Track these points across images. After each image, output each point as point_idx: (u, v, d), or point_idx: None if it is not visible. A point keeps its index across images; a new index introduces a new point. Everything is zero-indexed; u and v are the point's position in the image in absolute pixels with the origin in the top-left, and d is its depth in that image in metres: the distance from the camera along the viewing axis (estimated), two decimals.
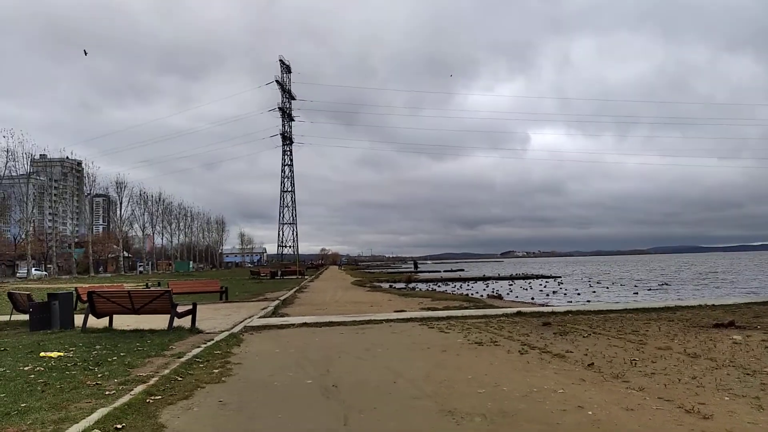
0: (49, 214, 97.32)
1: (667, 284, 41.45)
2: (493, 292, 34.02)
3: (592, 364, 7.41)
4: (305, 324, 13.71)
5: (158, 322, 12.45)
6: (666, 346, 8.58)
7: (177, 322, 12.21)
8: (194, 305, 12.56)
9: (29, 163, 68.50)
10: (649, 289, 34.49)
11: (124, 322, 12.62)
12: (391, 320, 14.04)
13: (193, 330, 12.05)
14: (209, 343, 10.27)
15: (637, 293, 31.73)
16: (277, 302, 21.22)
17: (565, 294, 32.44)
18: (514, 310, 15.37)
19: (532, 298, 28.19)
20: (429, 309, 18.19)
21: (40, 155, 78.46)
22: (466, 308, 17.93)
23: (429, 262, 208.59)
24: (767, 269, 65.70)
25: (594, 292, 33.35)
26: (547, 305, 19.79)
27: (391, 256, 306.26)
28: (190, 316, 12.46)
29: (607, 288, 38.87)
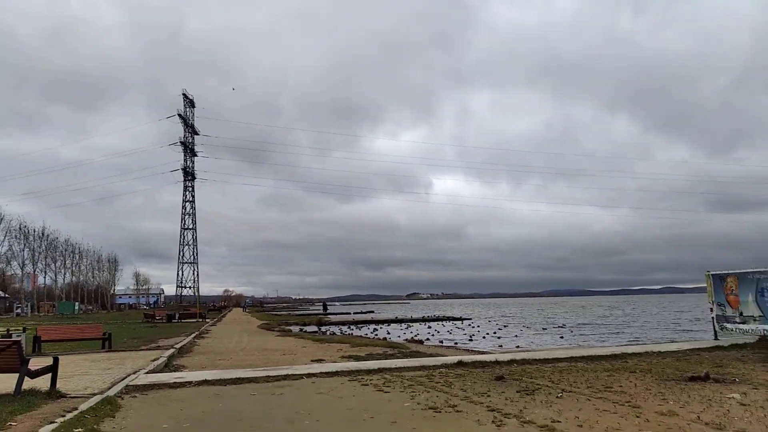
0: None
1: (563, 326, 42.06)
2: (412, 335, 32.12)
3: None
4: (205, 381, 11.01)
5: (8, 382, 9.35)
6: (669, 412, 6.95)
7: (29, 382, 9.18)
8: (55, 360, 9.56)
9: None
10: (559, 329, 34.29)
11: None
12: (314, 374, 11.66)
13: (53, 393, 9.06)
14: (69, 416, 7.46)
15: (563, 337, 30.99)
16: (171, 351, 18.03)
17: (484, 337, 31.13)
18: (455, 359, 13.48)
19: (456, 343, 26.56)
20: (351, 358, 15.95)
21: None
22: (393, 356, 15.86)
23: (337, 303, 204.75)
24: (648, 312, 69.04)
25: (516, 336, 32.30)
26: (481, 352, 18.11)
27: (297, 297, 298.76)
28: (49, 375, 9.45)
29: (521, 330, 38.30)
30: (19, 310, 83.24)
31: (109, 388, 10.13)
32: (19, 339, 8.89)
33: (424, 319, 58.53)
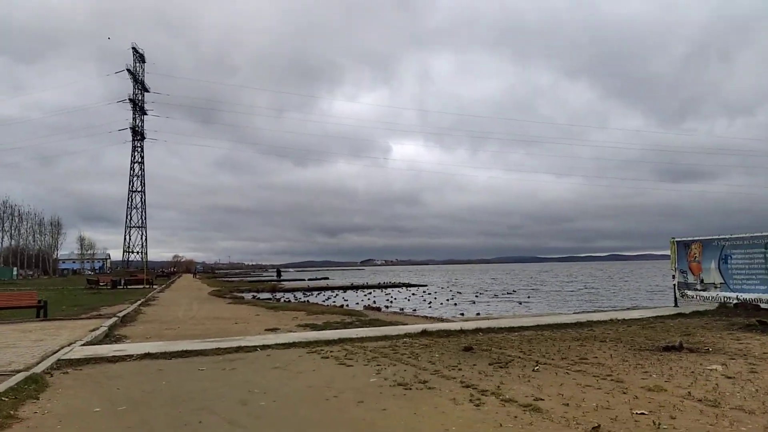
0: None
1: (513, 291, 42.75)
2: (369, 302, 31.60)
3: (598, 427, 4.98)
4: (148, 354, 10.03)
5: None
6: (656, 387, 6.47)
7: None
8: None
9: None
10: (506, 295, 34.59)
11: None
12: (269, 346, 10.83)
13: None
14: None
15: (521, 303, 31.03)
16: (114, 320, 16.84)
17: (441, 304, 30.94)
18: (418, 328, 12.89)
19: (415, 310, 26.16)
20: (308, 326, 15.21)
21: None
22: (352, 325, 15.20)
23: (291, 270, 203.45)
24: (600, 278, 71.09)
25: (473, 302, 32.16)
26: (444, 320, 17.65)
27: (250, 263, 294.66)
28: None
29: (476, 297, 38.45)
30: None
31: (37, 364, 9.05)
32: None
33: (380, 286, 58.32)
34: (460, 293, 42.55)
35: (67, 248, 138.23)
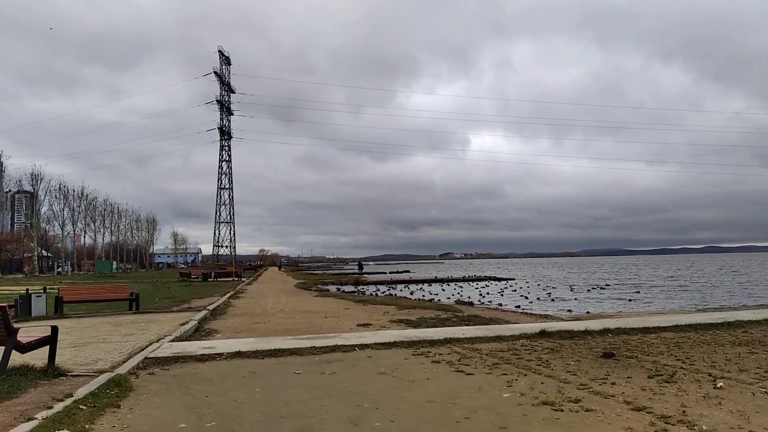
0: None
1: (607, 286, 39.42)
2: (459, 297, 30.01)
3: None
4: (239, 353, 9.11)
5: None
6: None
7: (21, 357, 7.39)
8: (54, 330, 7.73)
9: None
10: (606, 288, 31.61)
11: None
12: (367, 345, 9.65)
13: (50, 371, 7.24)
14: (58, 406, 5.59)
15: (631, 300, 27.91)
16: (204, 313, 16.37)
17: (538, 299, 28.70)
18: (534, 327, 11.31)
19: (518, 306, 24.28)
20: (402, 323, 14.00)
21: None
22: (450, 322, 13.82)
23: (371, 263, 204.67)
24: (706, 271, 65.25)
25: (575, 298, 29.43)
26: (554, 318, 15.89)
27: (332, 257, 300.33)
28: (47, 347, 7.63)
29: (572, 290, 35.83)
30: (59, 269, 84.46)
31: (124, 362, 8.32)
32: (4, 306, 7.01)
33: (465, 279, 56.44)
34: (554, 288, 39.89)
35: (161, 243, 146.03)
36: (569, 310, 21.60)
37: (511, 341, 9.75)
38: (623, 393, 5.81)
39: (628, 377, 6.59)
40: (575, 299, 28.82)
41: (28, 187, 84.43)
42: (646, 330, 10.83)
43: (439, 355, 8.59)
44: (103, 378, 7.02)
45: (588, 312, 20.76)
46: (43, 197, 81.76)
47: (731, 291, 33.00)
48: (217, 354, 9.09)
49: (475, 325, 12.96)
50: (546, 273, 75.24)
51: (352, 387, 6.56)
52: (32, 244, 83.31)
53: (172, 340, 10.85)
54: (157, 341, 10.61)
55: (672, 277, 55.50)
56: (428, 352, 8.88)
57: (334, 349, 9.38)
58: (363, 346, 9.57)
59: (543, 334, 10.34)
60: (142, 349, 9.58)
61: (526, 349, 8.91)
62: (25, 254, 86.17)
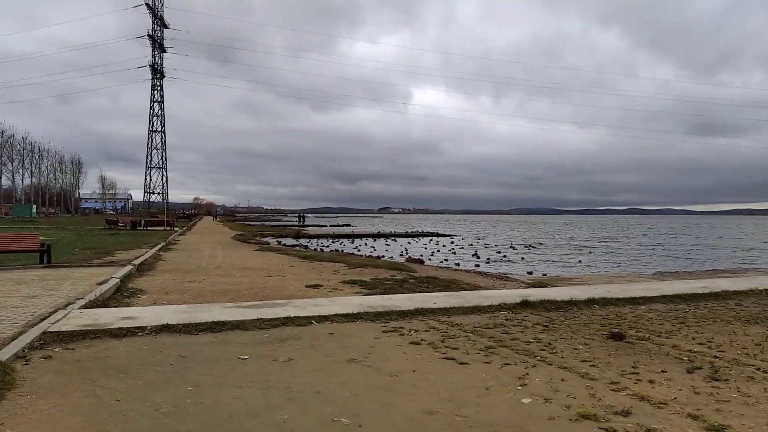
0: None
1: (541, 245, 39.46)
2: (408, 254, 28.80)
3: None
4: (167, 327, 7.33)
5: None
6: None
7: None
8: None
9: None
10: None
11: None
12: (325, 317, 8.08)
13: None
14: None
15: (580, 261, 27.48)
16: (128, 268, 14.29)
17: (489, 259, 27.86)
18: (511, 294, 10.09)
19: (477, 265, 23.26)
20: (355, 283, 12.59)
21: None
22: (406, 283, 12.48)
23: (310, 215, 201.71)
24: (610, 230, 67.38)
25: (523, 258, 28.71)
26: (509, 278, 14.80)
27: (269, 208, 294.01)
28: None
29: (513, 248, 35.48)
30: None
31: (13, 339, 6.40)
32: None
33: (408, 235, 55.64)
34: (496, 246, 39.52)
35: (89, 188, 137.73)
36: (529, 272, 20.73)
37: (492, 313, 8.43)
38: (675, 399, 4.52)
39: (663, 371, 5.33)
40: (522, 259, 28.26)
41: None
42: (633, 301, 9.79)
43: (416, 332, 7.13)
44: None
45: (545, 274, 19.93)
46: None
47: (670, 255, 33.45)
48: (138, 327, 7.27)
49: (438, 289, 11.64)
50: (486, 230, 75.69)
51: (318, 385, 4.99)
52: None
53: (85, 306, 8.90)
54: (65, 307, 8.64)
55: (611, 237, 56.73)
56: (401, 328, 7.41)
57: (287, 321, 7.76)
58: (321, 318, 8.00)
59: (525, 304, 9.08)
60: (43, 319, 7.63)
61: (514, 325, 7.60)
62: None
